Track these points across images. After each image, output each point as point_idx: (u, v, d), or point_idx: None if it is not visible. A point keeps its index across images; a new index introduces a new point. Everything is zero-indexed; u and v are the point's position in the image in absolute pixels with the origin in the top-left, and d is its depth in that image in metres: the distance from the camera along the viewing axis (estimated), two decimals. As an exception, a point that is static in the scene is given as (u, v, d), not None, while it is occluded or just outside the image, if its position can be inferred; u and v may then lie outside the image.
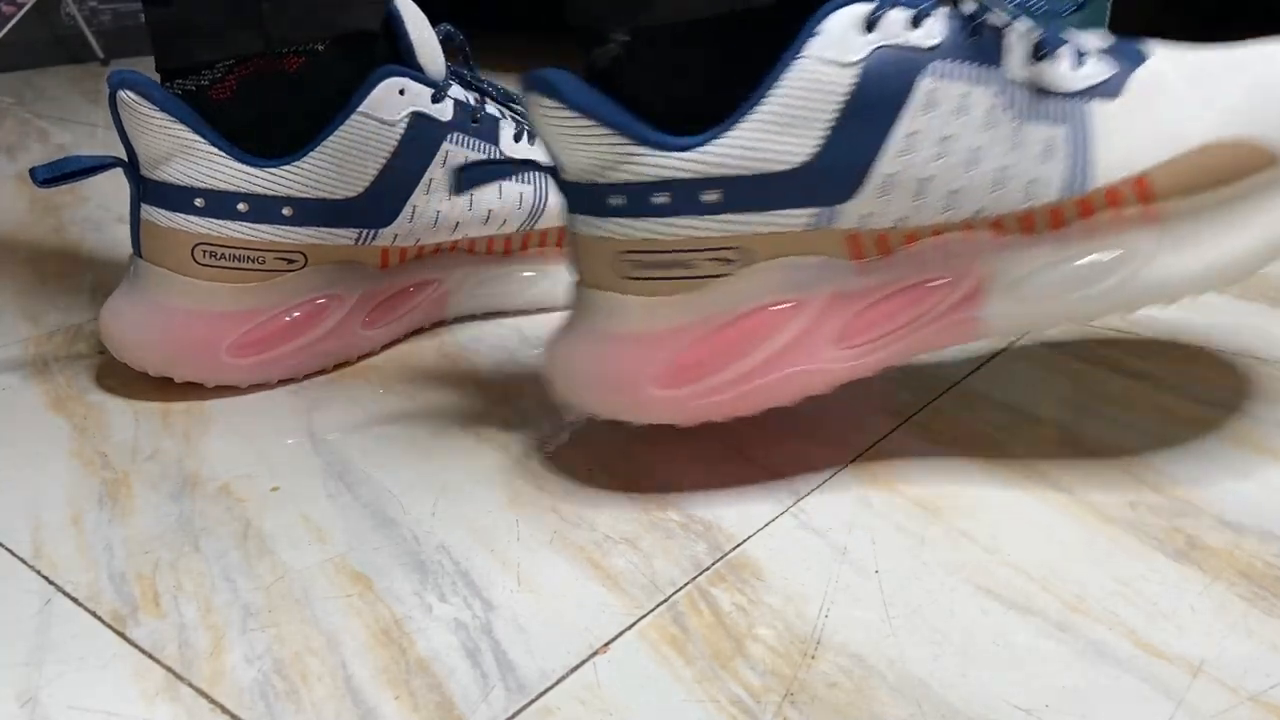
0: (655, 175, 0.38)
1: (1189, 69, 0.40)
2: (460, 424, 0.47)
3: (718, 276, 0.39)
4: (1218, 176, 0.39)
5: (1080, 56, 0.39)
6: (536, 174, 0.57)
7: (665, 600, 0.35)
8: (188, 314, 0.49)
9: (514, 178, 0.56)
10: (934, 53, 0.37)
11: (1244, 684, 0.31)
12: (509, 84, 0.57)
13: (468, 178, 0.42)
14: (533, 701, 0.31)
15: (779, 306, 0.39)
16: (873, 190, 0.38)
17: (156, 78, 0.49)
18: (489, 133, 0.55)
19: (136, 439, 0.47)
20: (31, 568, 0.38)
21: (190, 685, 0.32)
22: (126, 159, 0.49)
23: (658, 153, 0.37)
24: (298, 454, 0.45)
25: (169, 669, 0.33)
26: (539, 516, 0.40)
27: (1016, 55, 0.38)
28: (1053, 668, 0.32)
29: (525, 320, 0.59)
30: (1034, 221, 0.39)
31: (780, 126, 0.37)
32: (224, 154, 0.48)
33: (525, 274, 0.59)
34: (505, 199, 0.56)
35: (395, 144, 0.51)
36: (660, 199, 0.38)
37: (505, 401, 0.49)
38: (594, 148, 0.38)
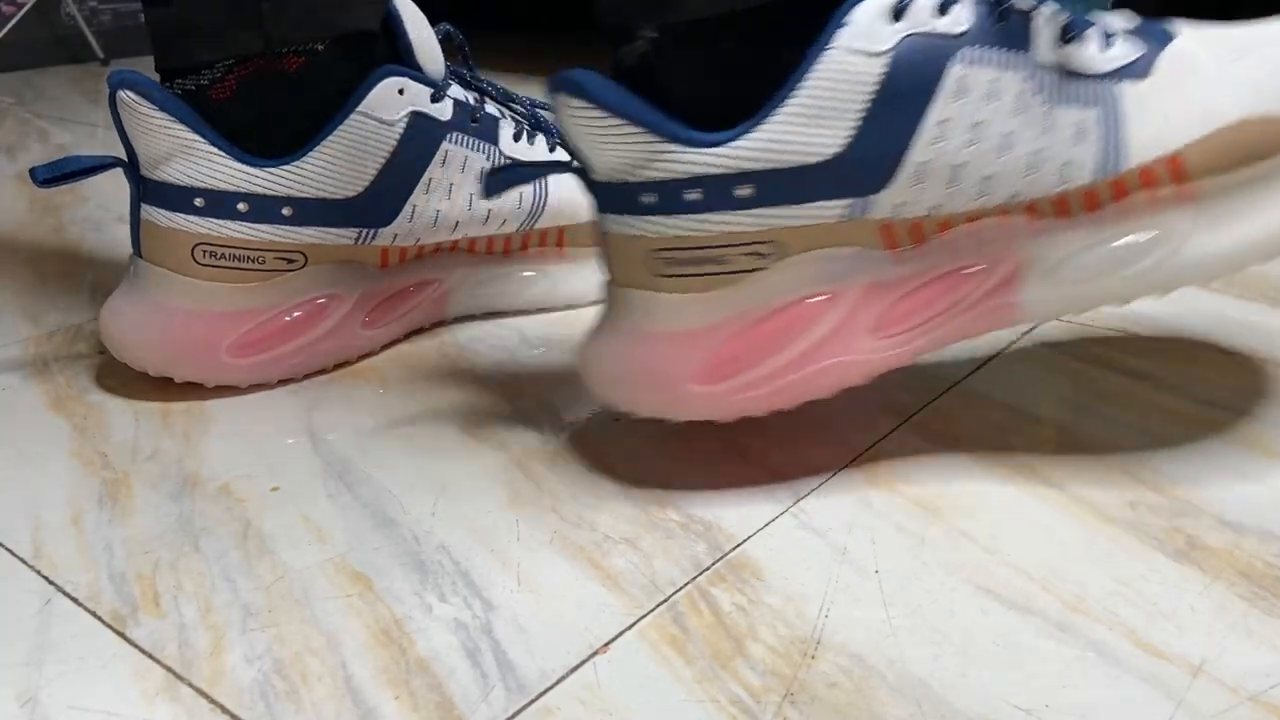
0: (687, 172, 0.38)
1: (1217, 46, 0.40)
2: (460, 424, 0.47)
3: (752, 271, 0.39)
4: (1250, 153, 0.39)
5: (1108, 38, 0.39)
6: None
7: (665, 600, 0.35)
8: (188, 314, 0.49)
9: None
10: (962, 39, 0.37)
11: (1244, 684, 0.31)
12: (509, 84, 0.57)
13: (501, 180, 0.42)
14: (533, 701, 0.31)
15: (814, 299, 0.39)
16: (906, 179, 0.38)
17: (156, 78, 0.49)
18: (488, 132, 0.55)
19: (136, 439, 0.47)
20: (31, 568, 0.38)
21: (190, 685, 0.32)
22: (126, 159, 0.49)
23: (689, 149, 0.37)
24: (298, 454, 0.45)
25: (169, 669, 0.33)
26: (539, 516, 0.40)
27: (1044, 39, 0.38)
28: (1053, 668, 0.32)
29: (525, 320, 0.59)
30: (1069, 205, 0.39)
31: (811, 119, 0.37)
32: (224, 154, 0.48)
33: (525, 274, 0.59)
34: (505, 199, 0.56)
35: (395, 144, 0.51)
36: (693, 195, 0.38)
37: (505, 401, 0.49)
38: (624, 147, 0.38)
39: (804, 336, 0.39)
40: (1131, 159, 0.38)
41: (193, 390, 0.50)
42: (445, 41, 0.55)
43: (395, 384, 0.52)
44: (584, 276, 0.60)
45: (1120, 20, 0.41)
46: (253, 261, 0.49)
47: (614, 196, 0.39)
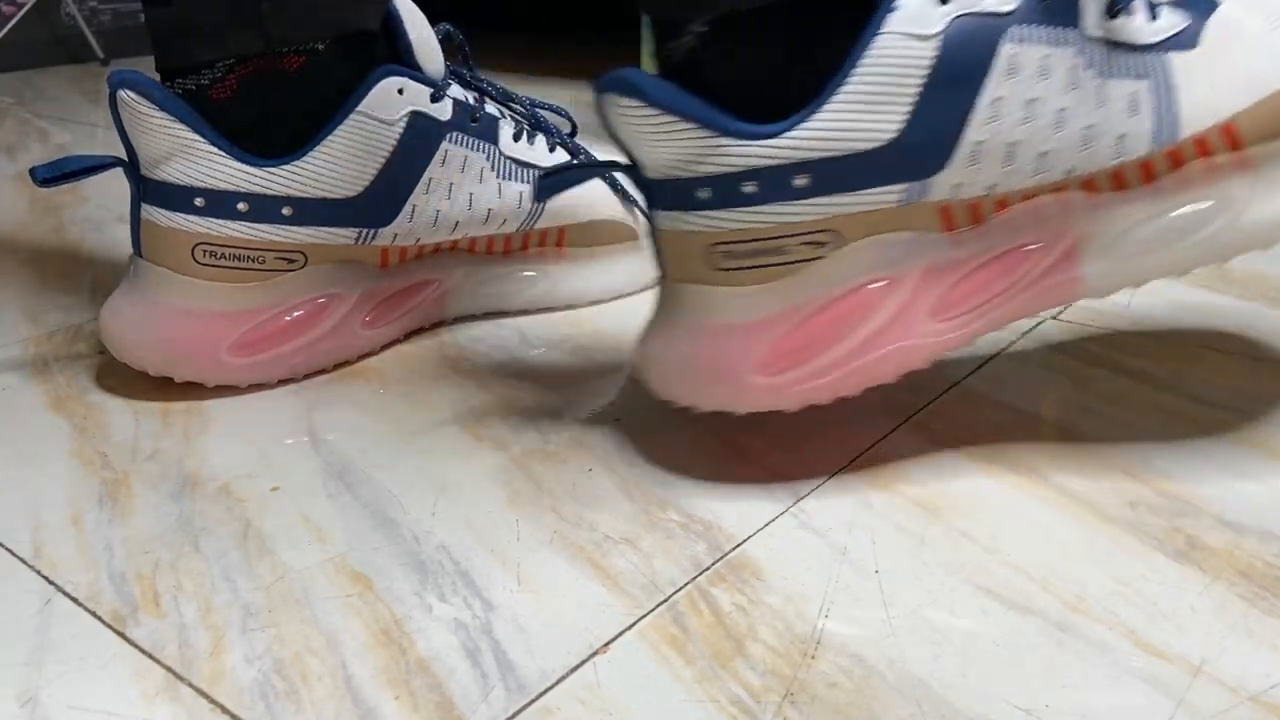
0: (743, 165, 0.38)
1: (1263, 12, 0.40)
2: (460, 424, 0.47)
3: (811, 260, 0.39)
4: None
5: (1153, 9, 0.39)
6: (536, 173, 0.57)
7: (665, 600, 0.35)
8: (188, 314, 0.49)
9: (518, 178, 0.56)
10: (1011, 18, 0.37)
11: (1244, 684, 0.31)
12: (509, 84, 0.57)
13: (554, 183, 0.42)
14: (533, 701, 0.31)
15: (874, 285, 0.39)
16: (962, 160, 0.38)
17: (157, 77, 0.49)
18: (488, 132, 0.55)
19: (136, 439, 0.47)
20: (31, 568, 0.38)
21: (190, 685, 0.32)
22: (126, 158, 0.49)
23: (744, 142, 0.37)
24: (298, 454, 0.45)
25: (169, 669, 0.33)
26: (539, 516, 0.40)
27: (1091, 13, 0.38)
28: (1053, 668, 0.32)
29: (525, 320, 0.59)
30: (1125, 177, 0.39)
31: (866, 105, 0.37)
32: (224, 153, 0.48)
33: (525, 274, 0.59)
34: (505, 198, 0.56)
35: (395, 143, 0.51)
36: (749, 188, 0.38)
37: (505, 401, 0.49)
38: (678, 143, 0.38)
39: (865, 323, 0.39)
40: (1185, 129, 0.39)
41: (193, 390, 0.50)
42: (445, 41, 0.55)
43: (395, 384, 0.52)
44: (584, 276, 0.60)
45: None
46: (253, 261, 0.49)
47: (668, 193, 0.40)
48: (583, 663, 0.33)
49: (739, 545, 0.38)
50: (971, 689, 0.31)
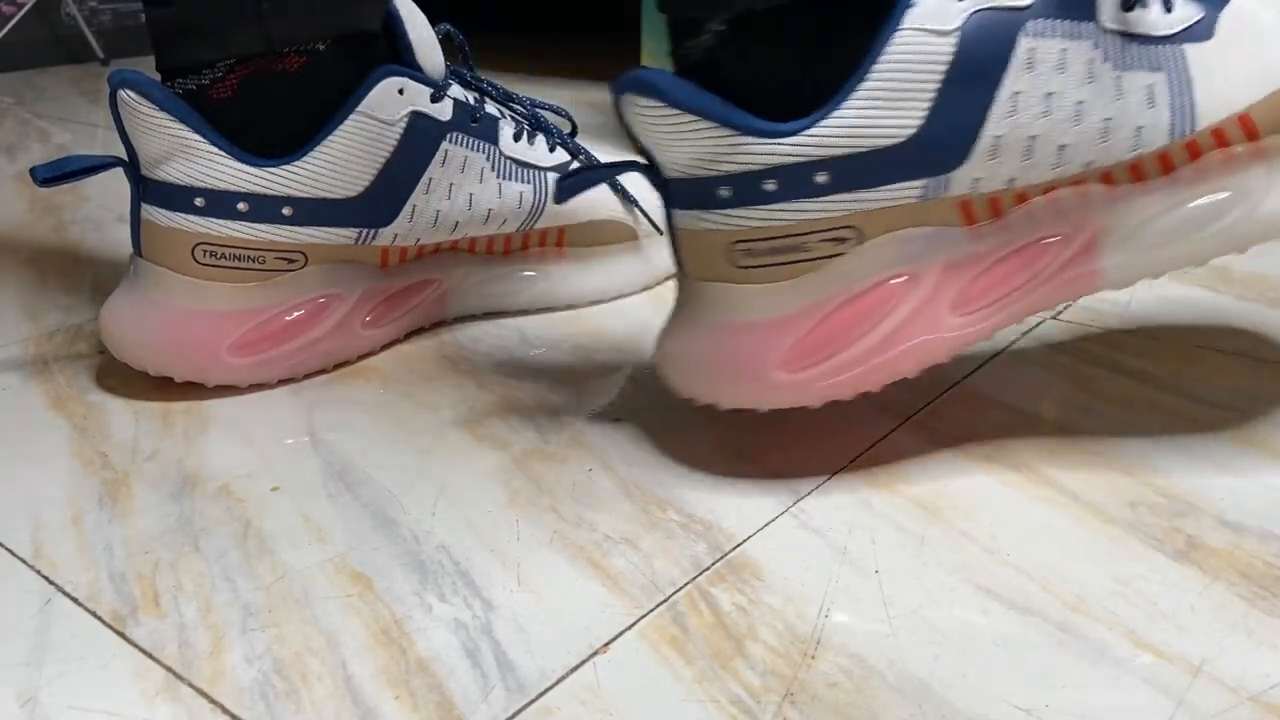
0: (763, 163, 0.38)
1: (1276, 4, 0.40)
2: (460, 424, 0.47)
3: (832, 257, 0.39)
4: None
5: (1168, 2, 0.40)
6: (537, 173, 0.57)
7: (665, 600, 0.35)
8: (188, 314, 0.49)
9: (518, 178, 0.56)
10: (1028, 12, 0.38)
11: (1244, 684, 0.31)
12: (509, 84, 0.57)
13: (573, 185, 0.42)
14: (533, 701, 0.31)
15: (895, 281, 0.39)
16: (982, 154, 0.38)
17: (157, 77, 0.49)
18: (488, 132, 0.55)
19: (136, 439, 0.47)
20: (31, 568, 0.38)
21: (190, 685, 0.32)
22: (127, 158, 0.49)
23: (764, 140, 0.38)
24: (298, 454, 0.45)
25: (169, 669, 0.33)
26: (539, 516, 0.40)
27: (1107, 6, 0.39)
28: (1053, 668, 0.32)
29: (525, 320, 0.59)
30: (1144, 169, 0.39)
31: (885, 101, 0.37)
32: (224, 154, 0.48)
33: (525, 274, 0.59)
34: (505, 198, 0.56)
35: (395, 144, 0.51)
36: (770, 186, 0.38)
37: (505, 401, 0.49)
38: (698, 142, 0.38)
39: (888, 319, 0.40)
40: (1202, 120, 0.39)
41: (193, 390, 0.50)
42: (445, 41, 0.55)
43: (395, 384, 0.52)
44: (584, 276, 0.60)
45: None
46: (253, 261, 0.49)
47: (688, 192, 0.40)
48: (583, 663, 0.33)
49: (739, 545, 0.38)
50: (971, 689, 0.31)
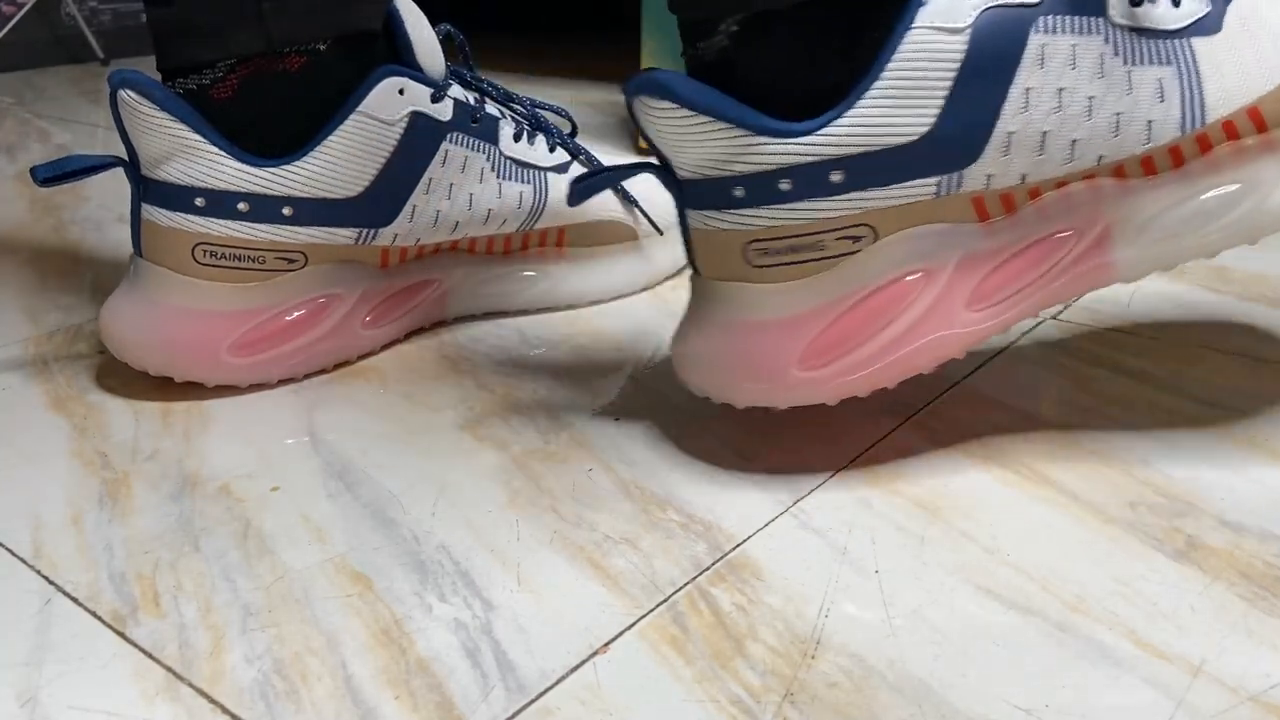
0: (778, 163, 0.38)
1: None
2: (460, 424, 0.47)
3: (847, 255, 0.39)
4: None
5: None
6: (537, 173, 0.57)
7: (665, 600, 0.35)
8: (188, 314, 0.49)
9: (518, 178, 0.56)
10: (1039, 8, 0.38)
11: (1244, 684, 0.31)
12: (509, 84, 0.57)
13: (586, 188, 0.42)
14: (533, 701, 0.31)
15: (910, 277, 0.40)
16: (995, 150, 0.38)
17: (158, 77, 0.49)
18: (489, 132, 0.55)
19: (136, 439, 0.47)
20: (31, 568, 0.38)
21: (190, 685, 0.32)
22: (127, 158, 0.49)
23: (778, 140, 0.38)
24: (298, 454, 0.45)
25: (169, 669, 0.33)
26: (539, 516, 0.40)
27: (1116, 2, 0.39)
28: (1053, 668, 0.32)
29: (525, 320, 0.59)
30: (1155, 163, 0.40)
31: (899, 100, 0.38)
32: (224, 153, 0.48)
33: (525, 274, 0.59)
34: (505, 199, 0.56)
35: (395, 144, 0.51)
36: (784, 185, 0.38)
37: (505, 401, 0.49)
38: (712, 143, 0.38)
39: (903, 315, 0.40)
40: (1212, 113, 0.39)
41: (193, 390, 0.50)
42: (445, 42, 0.55)
43: (395, 384, 0.52)
44: (584, 276, 0.60)
45: None
46: (253, 261, 0.49)
47: (702, 193, 0.40)
48: (583, 663, 0.33)
49: (739, 545, 0.38)
50: (971, 689, 0.31)
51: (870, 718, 0.30)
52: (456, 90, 0.54)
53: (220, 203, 0.48)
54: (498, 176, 0.56)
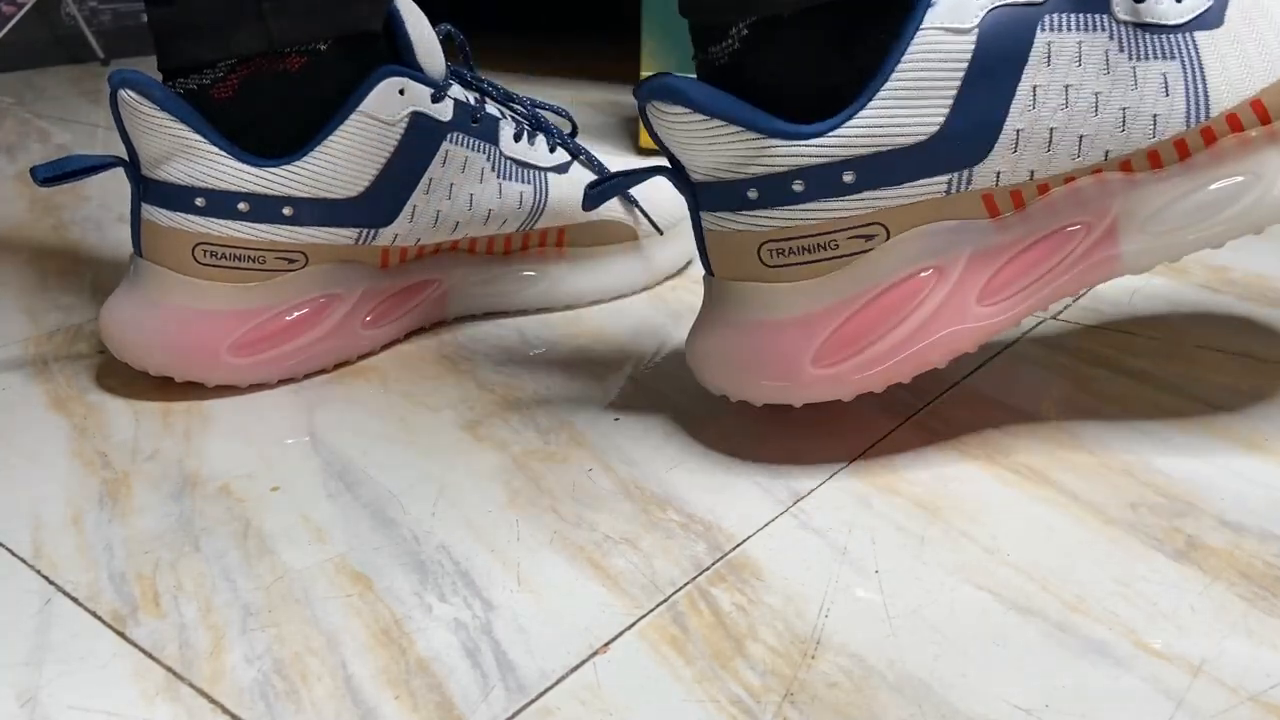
0: (790, 165, 0.39)
1: None
2: (460, 424, 0.47)
3: (861, 253, 0.40)
4: None
5: None
6: (537, 173, 0.57)
7: (665, 600, 0.35)
8: (188, 314, 0.49)
9: (518, 179, 0.56)
10: (1044, 7, 0.38)
11: (1244, 684, 0.31)
12: (509, 84, 0.57)
13: (600, 193, 0.43)
14: (533, 701, 0.31)
15: (923, 274, 0.40)
16: (1004, 148, 0.39)
17: (158, 77, 0.49)
18: (489, 133, 0.55)
19: (136, 439, 0.47)
20: (31, 568, 0.38)
21: (190, 685, 0.32)
22: (127, 158, 0.49)
23: (791, 143, 0.38)
24: (298, 454, 0.45)
25: (169, 669, 0.33)
26: (539, 516, 0.40)
27: None
28: (1053, 668, 0.32)
29: (525, 320, 0.59)
30: (1161, 156, 0.40)
31: (908, 100, 0.38)
32: (225, 153, 0.48)
33: (525, 274, 0.59)
34: (505, 199, 0.56)
35: (395, 144, 0.51)
36: (797, 186, 0.39)
37: (505, 401, 0.49)
38: (726, 147, 0.39)
39: (916, 312, 0.40)
40: (1216, 106, 0.40)
41: (193, 390, 0.50)
42: (446, 42, 0.55)
43: (395, 384, 0.52)
44: (584, 276, 0.60)
45: None
46: (253, 261, 0.49)
47: (715, 195, 0.40)
48: (583, 663, 0.33)
49: (739, 545, 0.38)
50: (971, 689, 0.31)
51: (870, 718, 0.30)
52: (457, 90, 0.54)
53: (220, 203, 0.48)
54: (498, 176, 0.56)
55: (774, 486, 0.41)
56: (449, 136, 0.53)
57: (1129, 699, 0.30)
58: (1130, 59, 0.39)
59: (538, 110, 0.59)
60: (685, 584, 0.36)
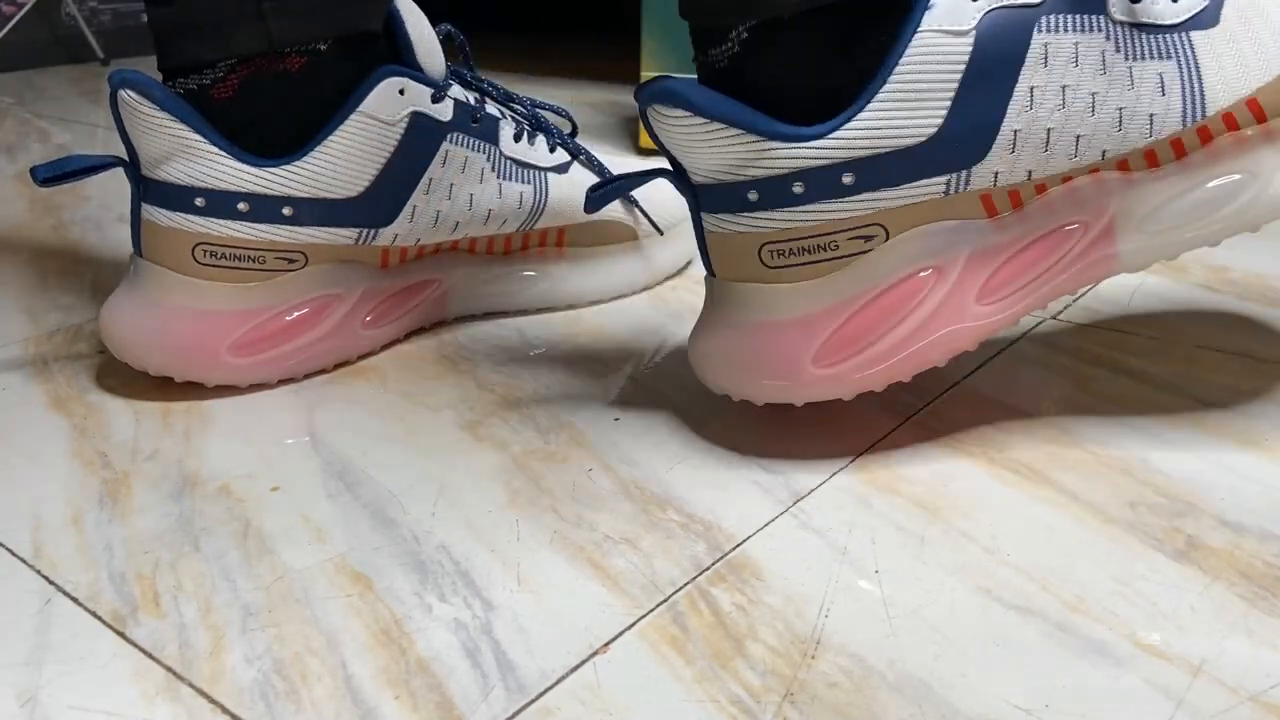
0: (790, 167, 0.39)
1: None
2: (460, 424, 0.47)
3: (860, 254, 0.40)
4: None
5: None
6: (537, 173, 0.57)
7: (665, 600, 0.35)
8: (188, 314, 0.49)
9: (518, 179, 0.56)
10: (1041, 8, 0.39)
11: (1244, 684, 0.31)
12: (509, 84, 0.57)
13: (602, 195, 0.43)
14: (533, 701, 0.31)
15: (922, 274, 0.40)
16: (1002, 149, 0.39)
17: (158, 77, 0.49)
18: (489, 133, 0.55)
19: (136, 439, 0.47)
20: (31, 568, 0.38)
21: (190, 685, 0.32)
22: (127, 158, 0.49)
23: (791, 145, 0.39)
24: (298, 454, 0.45)
25: (169, 669, 0.33)
26: (539, 516, 0.40)
27: None
28: (1053, 668, 0.32)
29: (525, 320, 0.59)
30: (1157, 156, 0.40)
31: (907, 102, 0.38)
32: (225, 153, 0.48)
33: (525, 274, 0.59)
34: (505, 199, 0.56)
35: (395, 144, 0.51)
36: (797, 188, 0.39)
37: (505, 401, 0.49)
38: (726, 149, 0.39)
39: (916, 311, 0.41)
40: (1212, 105, 0.40)
41: (193, 390, 0.50)
42: (446, 42, 0.55)
43: (395, 384, 0.52)
44: (584, 276, 0.60)
45: None
46: (253, 261, 0.49)
47: (716, 197, 0.41)
48: (583, 663, 0.33)
49: (739, 545, 0.38)
50: (971, 689, 0.31)
51: (870, 718, 0.30)
52: (457, 90, 0.54)
53: (220, 203, 0.48)
54: (498, 177, 0.56)
55: (774, 486, 0.41)
56: (449, 137, 0.53)
57: (1129, 699, 0.30)
58: (1126, 59, 0.39)
59: (538, 110, 0.59)
60: (685, 584, 0.36)
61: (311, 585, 0.37)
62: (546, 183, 0.58)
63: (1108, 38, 0.39)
